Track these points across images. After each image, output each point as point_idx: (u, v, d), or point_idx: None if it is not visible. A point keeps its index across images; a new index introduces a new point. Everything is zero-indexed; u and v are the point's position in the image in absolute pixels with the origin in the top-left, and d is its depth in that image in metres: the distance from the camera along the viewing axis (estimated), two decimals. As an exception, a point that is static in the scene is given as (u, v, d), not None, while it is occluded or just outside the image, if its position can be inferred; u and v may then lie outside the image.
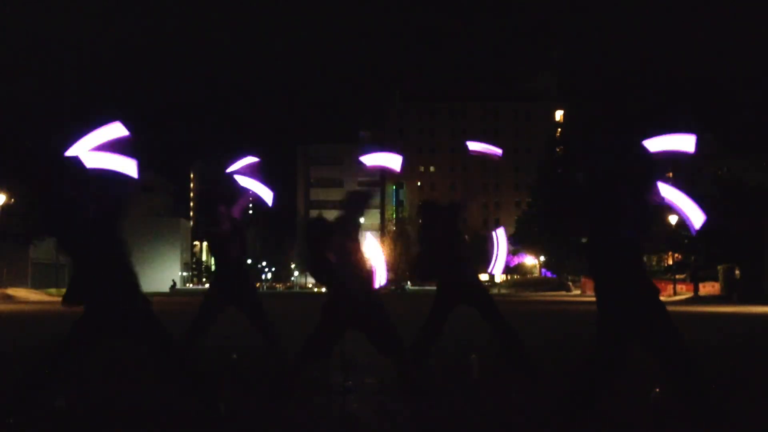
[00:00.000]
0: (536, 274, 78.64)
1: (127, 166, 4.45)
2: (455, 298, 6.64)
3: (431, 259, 6.66)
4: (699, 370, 4.53)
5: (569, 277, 63.00)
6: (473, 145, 6.84)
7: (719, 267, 36.63)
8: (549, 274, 72.13)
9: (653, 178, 4.77)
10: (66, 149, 4.52)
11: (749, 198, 35.85)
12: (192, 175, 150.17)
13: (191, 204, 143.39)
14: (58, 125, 41.42)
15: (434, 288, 6.79)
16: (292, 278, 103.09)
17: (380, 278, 5.73)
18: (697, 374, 4.51)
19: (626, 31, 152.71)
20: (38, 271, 52.49)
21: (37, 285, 48.58)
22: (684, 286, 40.84)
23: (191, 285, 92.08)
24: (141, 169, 4.48)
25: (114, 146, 4.61)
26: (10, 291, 38.47)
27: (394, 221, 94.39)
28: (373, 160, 6.72)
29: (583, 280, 58.37)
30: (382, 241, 68.06)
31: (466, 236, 7.12)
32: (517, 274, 78.67)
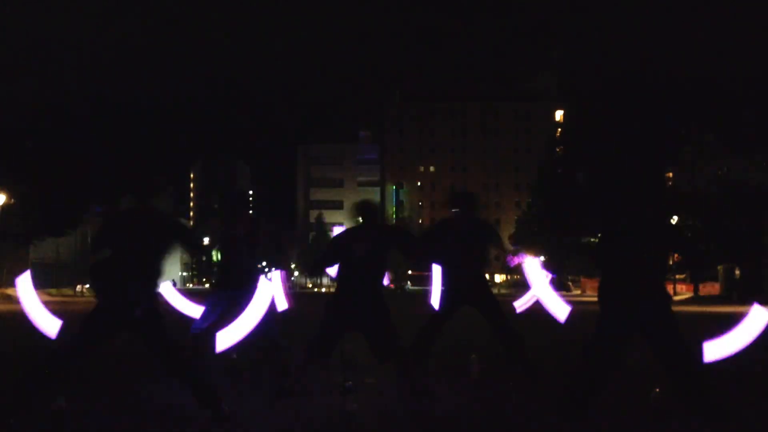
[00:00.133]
0: (536, 274, 78.50)
1: None
2: (460, 299, 6.64)
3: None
4: (701, 372, 4.53)
5: (569, 277, 63.02)
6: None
7: (719, 267, 36.65)
8: (549, 274, 72.04)
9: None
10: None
11: (749, 198, 35.82)
12: (192, 176, 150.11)
13: (191, 204, 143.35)
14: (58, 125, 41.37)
15: (432, 287, 6.78)
16: (293, 278, 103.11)
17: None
18: (700, 375, 4.51)
19: (626, 31, 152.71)
20: (38, 271, 52.37)
21: (37, 285, 48.40)
22: (684, 286, 40.86)
23: (191, 285, 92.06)
24: None
25: None
26: (10, 291, 38.46)
27: (394, 221, 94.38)
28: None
29: (582, 280, 58.43)
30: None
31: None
32: (518, 274, 78.63)
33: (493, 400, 5.61)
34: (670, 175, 42.79)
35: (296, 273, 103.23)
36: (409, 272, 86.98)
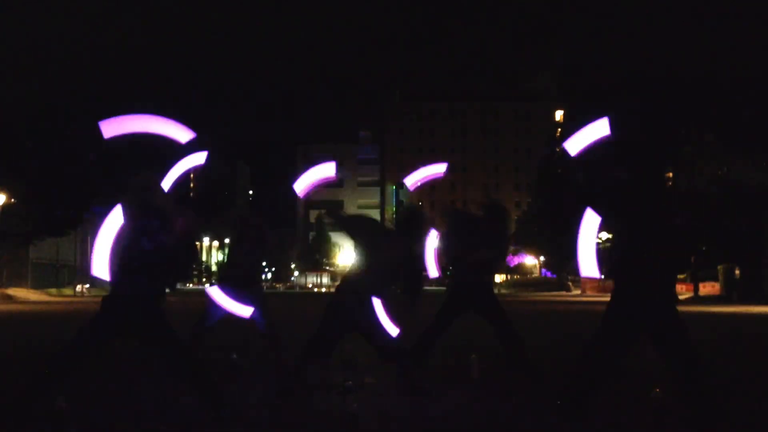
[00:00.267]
0: (536, 274, 78.66)
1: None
2: (466, 303, 6.66)
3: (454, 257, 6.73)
4: (705, 373, 4.53)
5: (569, 277, 63.01)
6: (410, 180, 6.98)
7: (719, 267, 36.62)
8: (549, 274, 72.14)
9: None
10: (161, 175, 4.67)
11: (749, 198, 35.81)
12: (192, 175, 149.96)
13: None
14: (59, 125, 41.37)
15: (433, 288, 6.79)
16: (293, 278, 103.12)
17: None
18: (703, 376, 4.51)
19: (626, 31, 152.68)
20: (38, 271, 52.48)
21: (37, 285, 48.58)
22: (684, 286, 40.84)
23: (191, 285, 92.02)
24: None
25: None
26: (10, 291, 38.47)
27: (394, 221, 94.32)
28: (414, 178, 6.83)
29: (582, 280, 58.38)
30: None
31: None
32: (518, 274, 78.68)
33: (493, 400, 5.61)
34: (670, 175, 42.75)
35: (296, 273, 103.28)
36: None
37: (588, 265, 4.64)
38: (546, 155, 60.17)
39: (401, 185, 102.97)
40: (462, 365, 6.87)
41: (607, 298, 4.75)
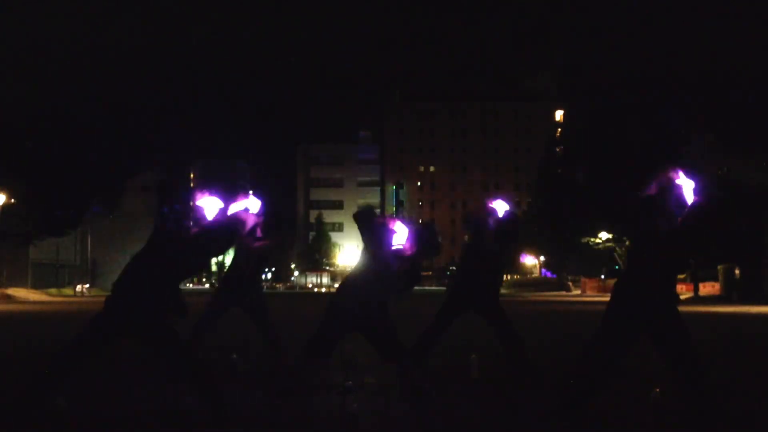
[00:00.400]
0: (536, 274, 78.65)
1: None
2: (466, 303, 6.66)
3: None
4: (705, 373, 4.53)
5: (569, 277, 63.01)
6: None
7: (719, 267, 36.62)
8: (549, 274, 72.14)
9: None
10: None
11: (749, 198, 35.80)
12: (192, 175, 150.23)
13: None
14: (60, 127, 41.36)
15: (433, 288, 6.80)
16: (293, 278, 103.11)
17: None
18: (703, 376, 4.51)
19: (626, 31, 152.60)
20: (38, 271, 52.51)
21: (37, 285, 48.60)
22: (684, 286, 40.83)
23: (191, 285, 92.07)
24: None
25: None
26: (10, 291, 38.48)
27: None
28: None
29: (582, 280, 58.41)
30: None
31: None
32: (518, 274, 78.67)
33: (493, 400, 5.61)
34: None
35: (296, 273, 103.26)
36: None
37: None
38: (546, 155, 60.15)
39: (401, 185, 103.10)
40: (462, 365, 6.87)
41: (607, 298, 4.76)
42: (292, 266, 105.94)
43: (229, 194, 5.80)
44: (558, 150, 58.02)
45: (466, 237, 7.14)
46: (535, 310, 23.37)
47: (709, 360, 4.83)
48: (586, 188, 43.41)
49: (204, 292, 48.26)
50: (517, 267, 78.04)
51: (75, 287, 50.46)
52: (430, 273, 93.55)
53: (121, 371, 6.86)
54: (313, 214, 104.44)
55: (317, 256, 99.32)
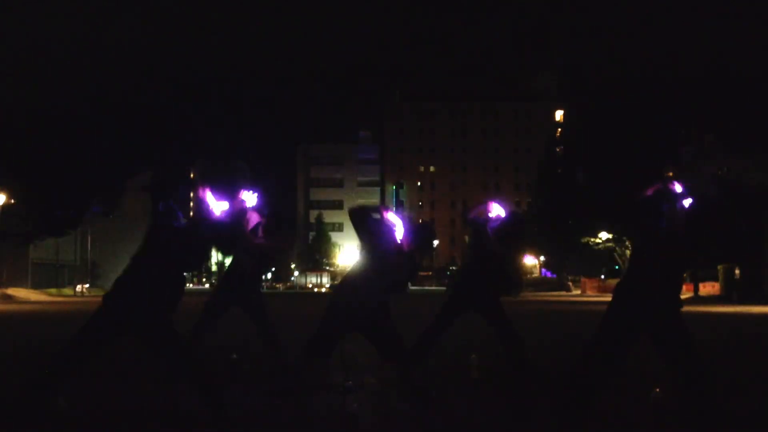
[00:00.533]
0: (536, 274, 78.64)
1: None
2: (466, 303, 6.66)
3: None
4: (705, 373, 4.53)
5: (569, 277, 63.00)
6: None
7: (719, 267, 36.62)
8: (549, 274, 72.12)
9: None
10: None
11: (749, 198, 35.82)
12: (192, 175, 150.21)
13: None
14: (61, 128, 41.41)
15: (433, 288, 6.80)
16: (292, 278, 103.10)
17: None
18: (703, 376, 4.51)
19: (626, 32, 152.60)
20: (38, 271, 52.53)
21: (37, 285, 48.60)
22: (684, 286, 40.87)
23: (191, 285, 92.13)
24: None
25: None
26: (10, 291, 38.48)
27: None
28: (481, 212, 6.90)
29: (582, 280, 58.39)
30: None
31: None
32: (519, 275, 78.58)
33: (492, 400, 5.61)
34: (671, 174, 42.75)
35: (296, 273, 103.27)
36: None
37: None
38: (546, 155, 60.18)
39: (401, 185, 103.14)
40: (462, 365, 6.87)
41: (608, 298, 4.75)
42: (292, 266, 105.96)
43: (229, 192, 5.79)
44: (558, 150, 58.05)
45: (466, 237, 7.16)
46: (535, 310, 23.37)
47: (709, 360, 4.83)
48: (586, 188, 43.43)
49: (204, 292, 48.26)
50: (519, 268, 77.91)
51: (75, 287, 50.46)
52: (430, 273, 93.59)
53: (121, 371, 6.86)
54: (313, 214, 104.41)
55: (317, 256, 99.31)
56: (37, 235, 43.48)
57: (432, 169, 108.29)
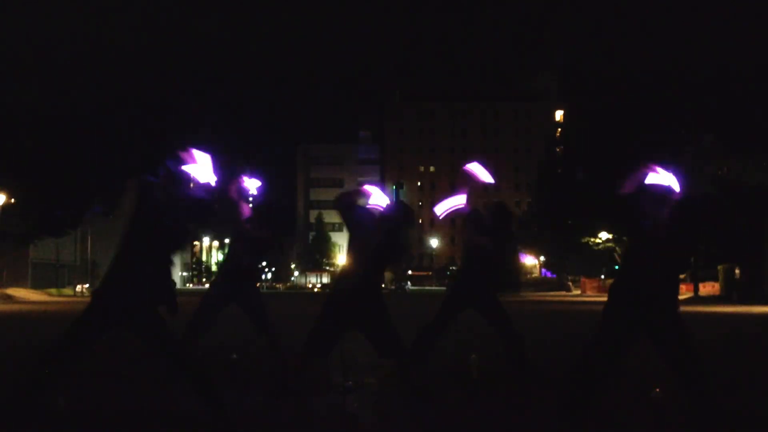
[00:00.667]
0: (536, 274, 78.66)
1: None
2: (466, 302, 6.66)
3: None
4: (705, 373, 4.53)
5: (569, 277, 63.01)
6: (439, 209, 7.11)
7: (719, 267, 36.63)
8: (549, 274, 72.15)
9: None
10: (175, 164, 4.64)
11: (749, 198, 35.83)
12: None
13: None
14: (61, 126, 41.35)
15: (433, 288, 6.80)
16: (292, 278, 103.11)
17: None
18: (703, 376, 4.51)
19: (627, 32, 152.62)
20: (38, 271, 52.54)
21: (37, 285, 48.61)
22: (684, 286, 40.85)
23: (191, 285, 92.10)
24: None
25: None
26: (10, 291, 38.47)
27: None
28: (443, 208, 6.97)
29: (582, 280, 58.41)
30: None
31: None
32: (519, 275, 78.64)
33: (493, 400, 5.61)
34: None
35: (296, 273, 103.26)
36: (409, 272, 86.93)
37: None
38: (546, 155, 60.15)
39: (401, 185, 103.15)
40: (462, 365, 6.87)
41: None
42: (292, 266, 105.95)
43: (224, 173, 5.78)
44: (558, 150, 58.03)
45: (463, 237, 7.15)
46: (535, 310, 23.37)
47: (709, 360, 4.83)
48: (586, 188, 43.42)
49: (204, 292, 48.21)
50: (517, 267, 77.95)
51: (75, 287, 50.47)
52: (430, 273, 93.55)
53: (121, 371, 6.86)
54: (313, 214, 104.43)
55: (317, 256, 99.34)
56: (37, 235, 43.45)
57: (432, 169, 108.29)
